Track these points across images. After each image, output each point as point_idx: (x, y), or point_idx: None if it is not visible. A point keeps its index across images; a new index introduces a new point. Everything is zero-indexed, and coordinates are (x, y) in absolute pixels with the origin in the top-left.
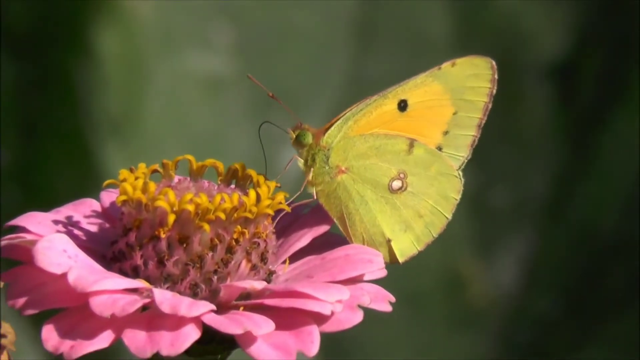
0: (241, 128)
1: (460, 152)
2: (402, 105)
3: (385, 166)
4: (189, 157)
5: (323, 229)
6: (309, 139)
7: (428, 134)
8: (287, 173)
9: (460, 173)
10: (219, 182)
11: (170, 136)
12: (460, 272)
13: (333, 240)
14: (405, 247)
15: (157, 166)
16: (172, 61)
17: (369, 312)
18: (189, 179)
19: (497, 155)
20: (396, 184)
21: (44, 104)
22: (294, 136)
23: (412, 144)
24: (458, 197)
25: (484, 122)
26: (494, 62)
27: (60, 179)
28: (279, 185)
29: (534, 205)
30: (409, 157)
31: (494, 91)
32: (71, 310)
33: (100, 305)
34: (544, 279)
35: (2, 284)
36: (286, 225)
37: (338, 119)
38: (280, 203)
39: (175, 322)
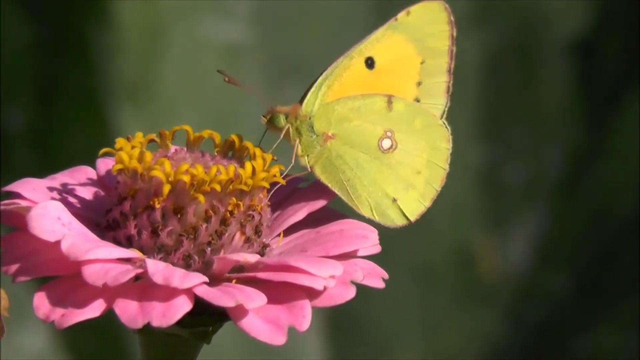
0: (256, 97)
1: (438, 100)
2: (370, 63)
3: (370, 126)
4: (186, 127)
5: (320, 203)
6: (281, 120)
7: (403, 89)
8: (285, 145)
9: (445, 122)
10: (216, 154)
11: (186, 103)
12: (471, 248)
13: (329, 215)
14: (413, 206)
15: (154, 136)
16: (190, 28)
17: (362, 287)
18: (185, 149)
19: (513, 131)
20: (386, 142)
21: (60, 67)
22: (267, 120)
23: (390, 100)
24: (449, 146)
25: (452, 66)
26: (446, 4)
27: (74, 143)
28: (275, 158)
29: (548, 183)
30: (391, 114)
31: (454, 33)
32: (64, 279)
33: (93, 274)
34: (555, 258)
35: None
36: (283, 198)
37: (311, 88)
38: (275, 176)
39: (168, 293)
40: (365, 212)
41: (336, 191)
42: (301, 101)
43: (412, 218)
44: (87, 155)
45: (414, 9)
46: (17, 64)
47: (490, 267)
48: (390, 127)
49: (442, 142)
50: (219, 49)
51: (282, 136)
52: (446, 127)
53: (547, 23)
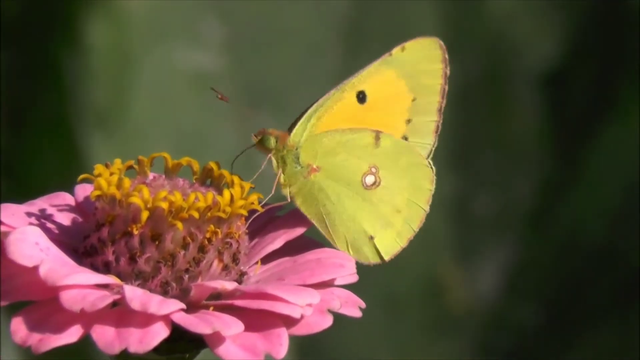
0: (227, 125)
1: (426, 139)
2: (361, 97)
3: (355, 161)
4: (165, 154)
5: (297, 232)
6: (272, 142)
7: (392, 125)
8: (265, 174)
9: (431, 162)
10: (194, 181)
11: (156, 130)
12: (440, 278)
13: (306, 243)
14: (389, 245)
15: (132, 162)
16: (161, 55)
17: (345, 316)
18: (164, 176)
19: (483, 161)
20: (369, 179)
21: (31, 92)
22: (257, 140)
23: (377, 136)
24: (432, 187)
25: (443, 105)
26: (441, 42)
27: (45, 169)
28: (253, 186)
29: (517, 214)
30: (377, 150)
31: (448, 72)
32: (41, 303)
33: (70, 300)
34: (524, 288)
35: None
36: (260, 226)
37: (301, 118)
38: (253, 204)
39: (145, 319)
40: (340, 246)
41: (314, 223)
42: (289, 130)
43: (387, 257)
44: (58, 181)
45: (409, 45)
46: None
47: (459, 298)
48: (375, 163)
49: (425, 183)
50: (189, 76)
51: (267, 159)
52: (431, 168)
53: (517, 53)
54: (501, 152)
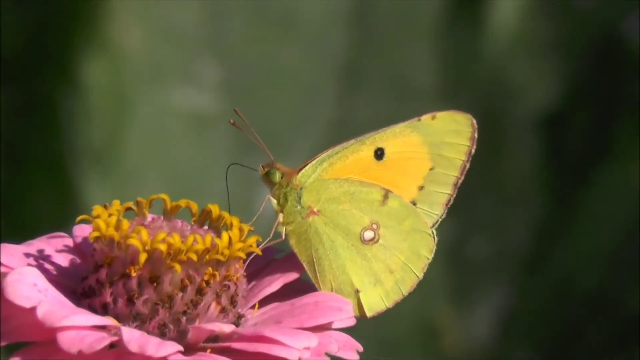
0: (223, 166)
1: (435, 209)
2: (379, 154)
3: (358, 214)
4: (164, 196)
5: (294, 275)
6: (277, 177)
7: (403, 187)
8: (264, 215)
9: (434, 231)
10: (193, 223)
11: (152, 171)
12: (435, 321)
13: (304, 286)
14: (374, 302)
15: (131, 204)
16: (158, 95)
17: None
18: (162, 218)
19: (479, 205)
20: (368, 234)
21: (26, 131)
22: (264, 173)
23: (386, 195)
24: (430, 256)
25: (460, 181)
26: (474, 120)
27: (39, 208)
28: (252, 228)
29: (513, 258)
30: (383, 208)
31: (473, 150)
32: (39, 345)
33: (68, 341)
34: (519, 333)
35: None
36: (258, 269)
37: (313, 160)
38: (251, 246)
39: None
40: (324, 290)
41: (303, 263)
42: (299, 171)
43: (369, 314)
44: (53, 220)
45: (441, 115)
46: None
47: (454, 341)
48: (378, 220)
49: (424, 250)
50: (185, 117)
51: (265, 199)
52: (433, 238)
53: (514, 97)
54: (497, 195)
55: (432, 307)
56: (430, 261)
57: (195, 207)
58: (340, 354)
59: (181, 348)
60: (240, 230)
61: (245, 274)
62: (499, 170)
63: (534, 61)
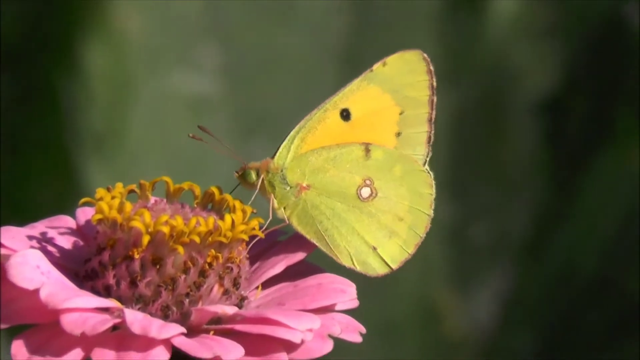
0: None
1: (418, 150)
2: (345, 115)
3: (347, 175)
4: (166, 178)
5: (298, 257)
6: (252, 176)
7: (381, 140)
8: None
9: (428, 168)
10: (195, 205)
11: (153, 155)
12: (436, 305)
13: (307, 268)
14: (395, 253)
15: (134, 186)
16: (159, 80)
17: (342, 342)
18: (165, 200)
19: (480, 190)
20: (365, 191)
21: (28, 117)
22: (239, 176)
23: (367, 148)
24: (432, 191)
25: (433, 115)
26: (425, 54)
27: (42, 193)
28: (254, 211)
29: (514, 243)
30: (369, 162)
31: (434, 83)
32: (42, 327)
33: (71, 323)
34: (520, 317)
35: None
36: (261, 251)
37: (283, 141)
38: (254, 229)
39: (145, 343)
40: (345, 261)
41: (314, 241)
42: (274, 156)
43: (394, 266)
44: (55, 204)
45: (390, 59)
46: None
47: (455, 325)
48: (369, 175)
49: (424, 188)
50: (186, 101)
51: (256, 192)
52: (428, 173)
53: (514, 81)
54: (498, 180)
55: (433, 291)
56: (434, 196)
57: (198, 189)
58: (343, 336)
59: (184, 330)
60: (243, 212)
61: (248, 256)
62: (500, 154)
63: (534, 46)
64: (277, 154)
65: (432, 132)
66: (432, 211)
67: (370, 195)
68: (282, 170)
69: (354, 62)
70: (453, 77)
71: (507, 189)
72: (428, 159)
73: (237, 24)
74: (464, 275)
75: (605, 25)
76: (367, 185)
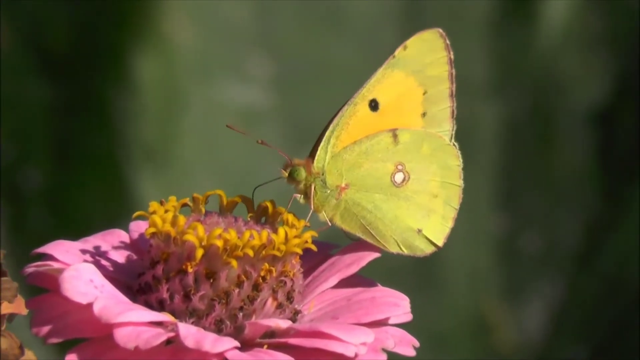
0: (274, 161)
1: (444, 126)
2: (373, 105)
3: (380, 165)
4: (220, 192)
5: (351, 270)
6: (302, 173)
7: (408, 123)
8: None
9: (453, 142)
10: (249, 218)
11: (204, 167)
12: (486, 316)
13: (360, 281)
14: (437, 230)
15: (187, 200)
16: (209, 91)
17: (396, 355)
18: (218, 213)
19: (529, 200)
20: (398, 176)
21: (79, 128)
22: (287, 174)
23: (394, 134)
24: (459, 162)
25: (454, 89)
26: (441, 30)
27: (92, 205)
28: (308, 224)
29: (564, 253)
30: (398, 147)
31: (452, 57)
32: (95, 341)
33: (125, 337)
34: (570, 328)
35: (27, 311)
36: (314, 264)
37: (319, 142)
38: (307, 242)
39: (199, 357)
40: (393, 249)
41: (360, 235)
42: (311, 155)
43: (440, 243)
44: (105, 217)
45: (410, 41)
46: (35, 125)
47: (505, 336)
48: (400, 160)
49: (452, 160)
50: (236, 113)
51: (298, 192)
52: (453, 145)
53: (565, 92)
54: (548, 190)
55: (483, 302)
56: (461, 167)
57: (251, 203)
58: (397, 350)
59: (238, 344)
60: (297, 226)
61: (301, 269)
62: (550, 164)
63: (584, 56)
64: (316, 157)
65: (455, 106)
66: (462, 181)
67: (404, 179)
68: (322, 174)
69: None
70: (502, 88)
71: (557, 200)
72: (454, 133)
73: (288, 34)
74: (514, 286)
75: None
76: (399, 171)
